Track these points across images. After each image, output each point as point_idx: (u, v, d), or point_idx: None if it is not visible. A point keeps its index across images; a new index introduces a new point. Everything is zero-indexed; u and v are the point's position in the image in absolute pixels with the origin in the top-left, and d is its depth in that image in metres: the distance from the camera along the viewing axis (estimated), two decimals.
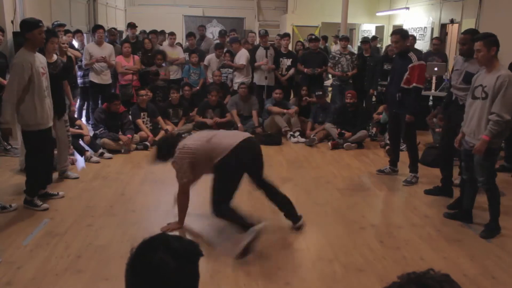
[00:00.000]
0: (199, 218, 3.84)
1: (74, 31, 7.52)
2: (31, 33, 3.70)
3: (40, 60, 3.84)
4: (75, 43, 7.35)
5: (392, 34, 4.90)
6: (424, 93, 7.51)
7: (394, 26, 12.89)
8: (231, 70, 7.67)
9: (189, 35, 8.37)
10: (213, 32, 13.15)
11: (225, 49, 7.81)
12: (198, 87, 7.63)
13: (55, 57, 4.42)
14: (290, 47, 8.14)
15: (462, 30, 7.54)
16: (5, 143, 5.62)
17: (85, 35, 8.25)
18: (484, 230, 3.61)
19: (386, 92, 5.17)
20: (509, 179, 5.17)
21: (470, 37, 3.92)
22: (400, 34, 4.75)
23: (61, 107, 4.51)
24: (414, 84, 4.61)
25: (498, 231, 3.61)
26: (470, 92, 3.65)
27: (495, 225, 3.61)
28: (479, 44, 3.44)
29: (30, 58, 3.70)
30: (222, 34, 8.83)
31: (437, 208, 4.17)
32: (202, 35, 9.00)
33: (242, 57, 7.43)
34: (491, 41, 3.41)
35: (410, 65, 4.61)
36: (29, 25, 3.73)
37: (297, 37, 12.00)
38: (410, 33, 9.61)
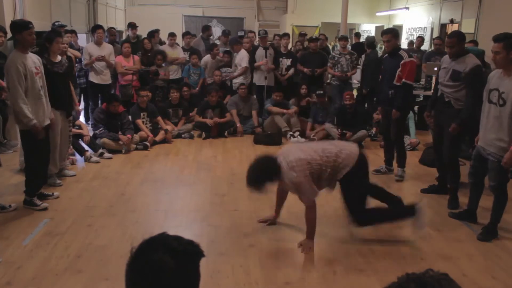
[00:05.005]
0: (200, 218, 3.85)
1: (69, 31, 7.52)
2: (20, 35, 3.71)
3: (33, 60, 3.83)
4: None
5: (383, 34, 4.94)
6: (424, 93, 7.55)
7: (394, 26, 12.92)
8: (230, 70, 7.66)
9: (185, 34, 8.37)
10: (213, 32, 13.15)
11: (223, 49, 7.79)
12: (197, 88, 7.62)
13: (59, 57, 4.43)
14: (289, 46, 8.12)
15: (462, 30, 7.57)
16: (1, 138, 5.60)
17: (85, 35, 8.26)
18: (482, 233, 3.56)
19: (379, 90, 5.21)
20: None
21: (456, 40, 4.01)
22: (392, 33, 4.84)
23: (71, 106, 4.69)
24: (403, 80, 4.68)
25: (495, 235, 3.54)
26: (486, 94, 3.46)
27: (493, 228, 3.55)
28: (498, 46, 3.22)
29: (22, 58, 3.70)
30: (226, 33, 8.72)
31: (437, 208, 4.17)
32: (208, 35, 8.84)
33: (243, 59, 7.38)
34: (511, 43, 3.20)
35: (401, 62, 4.69)
36: (18, 27, 3.74)
37: (296, 37, 12.00)
38: (418, 35, 9.73)
